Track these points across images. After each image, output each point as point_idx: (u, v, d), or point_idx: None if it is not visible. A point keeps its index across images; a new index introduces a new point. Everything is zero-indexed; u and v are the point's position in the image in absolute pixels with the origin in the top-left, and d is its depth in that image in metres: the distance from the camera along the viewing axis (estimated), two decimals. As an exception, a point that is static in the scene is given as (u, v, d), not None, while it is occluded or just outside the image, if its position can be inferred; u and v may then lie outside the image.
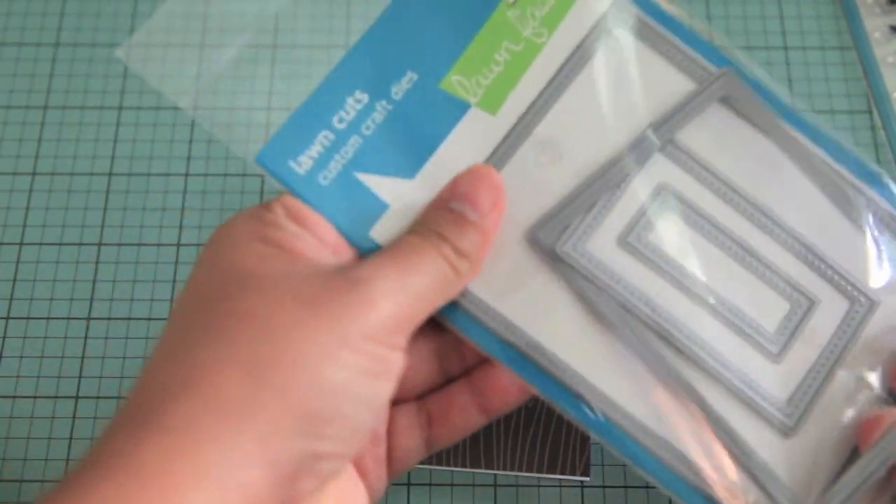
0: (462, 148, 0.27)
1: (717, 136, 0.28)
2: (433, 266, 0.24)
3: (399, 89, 0.27)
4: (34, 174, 0.39)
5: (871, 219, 0.28)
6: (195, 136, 0.40)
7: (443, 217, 0.25)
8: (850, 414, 0.26)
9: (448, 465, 0.33)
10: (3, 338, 0.36)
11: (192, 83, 0.29)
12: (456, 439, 0.28)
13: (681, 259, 0.27)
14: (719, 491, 0.25)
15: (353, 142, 0.27)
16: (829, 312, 0.27)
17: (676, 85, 0.29)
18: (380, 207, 0.26)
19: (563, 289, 0.26)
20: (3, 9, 0.42)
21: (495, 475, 0.34)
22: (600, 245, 0.27)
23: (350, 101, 0.27)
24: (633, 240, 0.27)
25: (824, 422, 0.26)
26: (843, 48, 0.41)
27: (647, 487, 0.34)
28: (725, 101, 0.29)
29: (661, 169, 0.28)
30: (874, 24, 0.41)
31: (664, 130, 0.28)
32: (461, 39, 0.28)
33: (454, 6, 0.29)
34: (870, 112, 0.39)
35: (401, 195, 0.26)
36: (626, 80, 0.29)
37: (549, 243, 0.27)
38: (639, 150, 0.28)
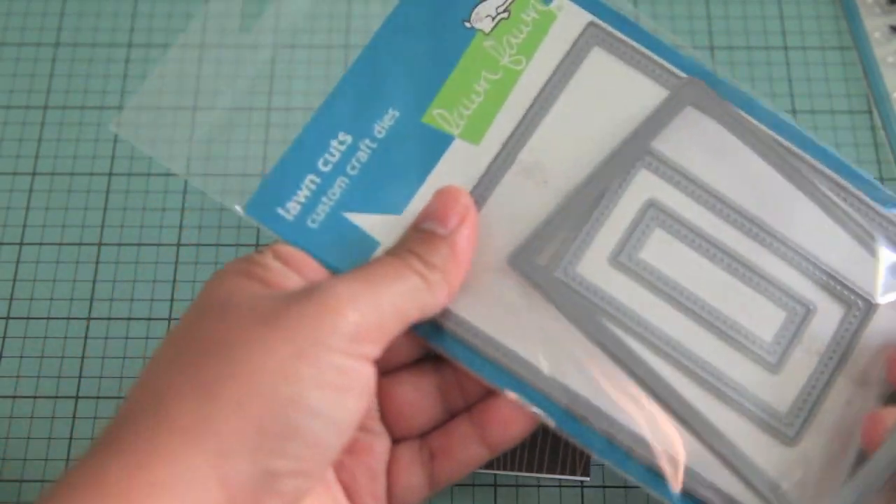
0: (448, 179, 0.27)
1: (701, 148, 0.28)
2: (401, 277, 0.24)
3: (382, 127, 0.28)
4: (34, 174, 0.39)
5: (863, 221, 0.28)
6: (195, 136, 0.40)
7: (414, 236, 0.26)
8: (852, 419, 0.26)
9: (448, 465, 0.33)
10: (3, 338, 0.36)
11: (184, 146, 0.30)
12: (460, 475, 0.28)
13: (673, 274, 0.27)
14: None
15: (340, 183, 0.27)
16: (827, 318, 0.27)
17: (655, 98, 0.29)
18: (371, 245, 0.27)
19: (555, 312, 0.26)
20: (3, 9, 0.42)
21: (495, 475, 0.34)
22: (592, 267, 0.27)
23: (334, 143, 0.27)
24: (625, 259, 0.27)
25: (827, 429, 0.26)
26: (843, 48, 0.41)
27: (647, 487, 0.34)
28: (703, 110, 0.29)
29: (647, 185, 0.28)
30: (874, 24, 0.41)
31: (636, 140, 0.28)
32: (440, 73, 0.29)
33: (430, 41, 0.29)
34: (870, 112, 0.39)
35: (391, 231, 0.27)
36: (605, 99, 0.29)
37: (527, 267, 0.27)
38: (613, 163, 0.28)
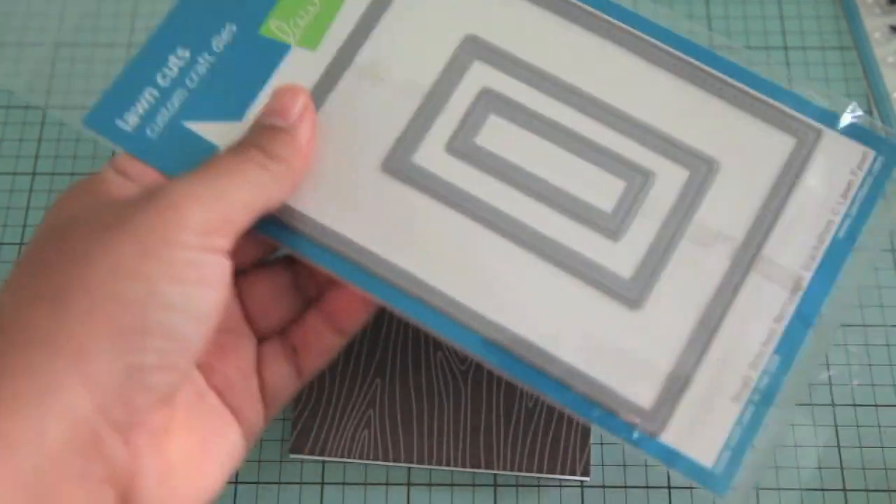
0: (286, 82, 0.28)
1: (530, 33, 0.29)
2: (244, 169, 0.25)
3: (220, 41, 0.29)
4: (34, 174, 0.39)
5: (708, 84, 0.29)
6: (195, 136, 0.40)
7: (255, 131, 0.26)
8: (697, 280, 0.27)
9: (448, 465, 0.33)
10: (4, 338, 0.36)
11: (23, 64, 0.30)
12: (322, 364, 0.29)
13: (510, 156, 0.28)
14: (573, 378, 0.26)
15: (179, 95, 0.28)
16: (668, 183, 0.28)
17: None
18: (211, 151, 0.27)
19: (396, 203, 0.27)
20: (4, 8, 0.42)
21: (495, 475, 0.34)
22: (428, 156, 0.28)
23: (172, 58, 0.29)
24: (460, 145, 0.28)
25: (671, 291, 0.27)
26: (843, 48, 0.41)
27: (647, 487, 0.34)
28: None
29: (481, 74, 0.29)
30: (874, 24, 0.41)
31: (478, 39, 0.29)
32: None
33: None
34: (870, 112, 0.39)
35: (231, 137, 0.27)
36: (439, 1, 0.30)
37: (395, 165, 0.28)
38: (460, 59, 0.29)
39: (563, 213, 0.27)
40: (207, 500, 0.25)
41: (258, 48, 0.29)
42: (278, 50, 0.29)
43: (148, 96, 0.28)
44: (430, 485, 0.34)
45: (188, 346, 0.23)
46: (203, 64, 0.28)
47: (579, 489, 0.34)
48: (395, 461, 0.33)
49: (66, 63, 0.39)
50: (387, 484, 0.34)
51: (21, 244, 0.37)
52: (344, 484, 0.34)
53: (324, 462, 0.34)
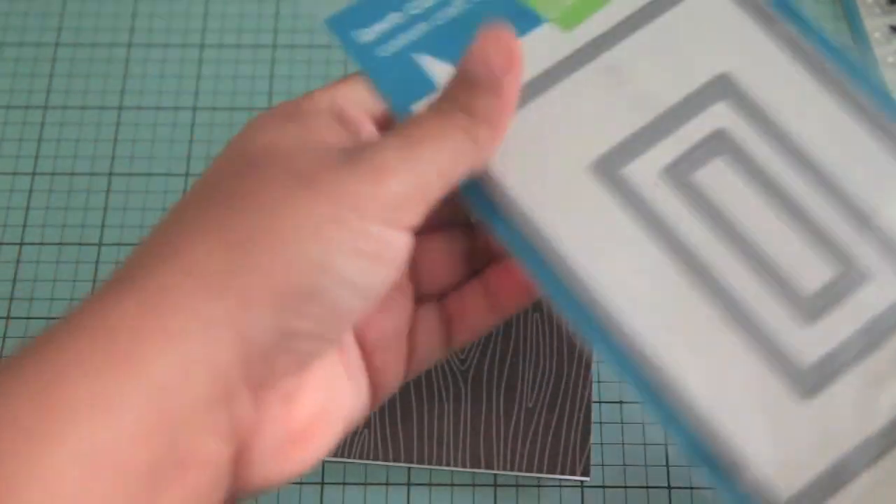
0: (528, 55, 0.28)
1: (788, 91, 0.28)
2: (447, 136, 0.23)
3: None
4: (34, 174, 0.39)
5: None
6: (195, 137, 0.40)
7: (456, 85, 0.24)
8: (875, 400, 0.25)
9: (448, 465, 0.33)
10: (4, 338, 0.36)
11: None
12: (472, 339, 0.28)
13: (723, 204, 0.27)
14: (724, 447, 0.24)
15: (421, 27, 0.29)
16: (882, 289, 0.26)
17: (755, 42, 0.29)
18: (429, 87, 0.27)
19: (593, 206, 0.27)
20: (3, 9, 0.42)
21: (495, 475, 0.34)
22: (642, 173, 0.27)
23: None
24: (676, 174, 0.27)
25: (842, 401, 0.25)
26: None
27: (647, 487, 0.34)
28: (806, 62, 0.28)
29: (722, 113, 0.28)
30: (874, 24, 0.41)
31: (733, 82, 0.28)
32: None
33: None
34: (870, 112, 0.39)
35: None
36: (708, 30, 0.29)
37: (605, 171, 0.27)
38: (707, 93, 0.28)
39: (759, 275, 0.26)
40: (312, 466, 0.24)
41: (512, 10, 0.29)
42: (531, 19, 0.29)
43: (393, 18, 0.29)
44: (430, 485, 0.34)
45: (345, 320, 0.22)
46: (455, 7, 0.29)
47: (579, 489, 0.34)
48: (395, 461, 0.33)
49: None
50: (387, 484, 0.34)
51: (21, 244, 0.37)
52: (344, 484, 0.34)
53: (324, 462, 0.34)
